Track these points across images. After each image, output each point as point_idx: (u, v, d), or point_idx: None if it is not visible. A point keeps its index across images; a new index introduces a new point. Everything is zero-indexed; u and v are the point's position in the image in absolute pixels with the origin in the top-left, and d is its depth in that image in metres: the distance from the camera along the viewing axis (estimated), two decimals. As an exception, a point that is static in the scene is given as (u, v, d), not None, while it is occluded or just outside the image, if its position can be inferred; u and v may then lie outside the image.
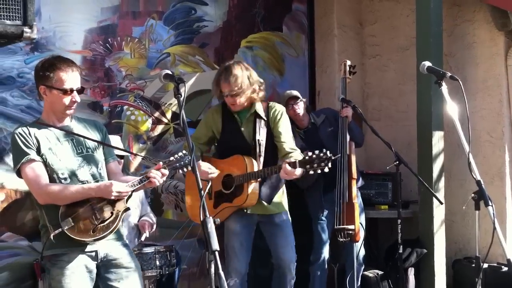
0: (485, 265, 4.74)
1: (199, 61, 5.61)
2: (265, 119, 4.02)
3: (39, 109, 4.68)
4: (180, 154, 3.17)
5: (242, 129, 4.01)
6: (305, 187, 4.69)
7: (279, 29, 6.18)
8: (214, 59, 5.70)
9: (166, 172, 3.05)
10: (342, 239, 4.19)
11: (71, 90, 2.99)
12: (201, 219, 2.23)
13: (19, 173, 2.99)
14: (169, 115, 5.37)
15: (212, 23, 5.69)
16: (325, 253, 4.88)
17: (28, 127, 3.03)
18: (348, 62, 4.81)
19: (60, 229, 2.88)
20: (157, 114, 5.24)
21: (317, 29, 6.33)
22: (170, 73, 2.81)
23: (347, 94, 4.79)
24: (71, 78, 2.99)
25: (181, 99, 2.63)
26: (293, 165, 3.55)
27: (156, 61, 5.27)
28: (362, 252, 4.73)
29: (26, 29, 2.33)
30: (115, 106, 5.02)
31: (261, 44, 6.05)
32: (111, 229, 2.98)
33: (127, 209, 3.06)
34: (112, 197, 2.94)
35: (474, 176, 3.00)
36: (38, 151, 2.97)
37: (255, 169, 3.88)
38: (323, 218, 4.86)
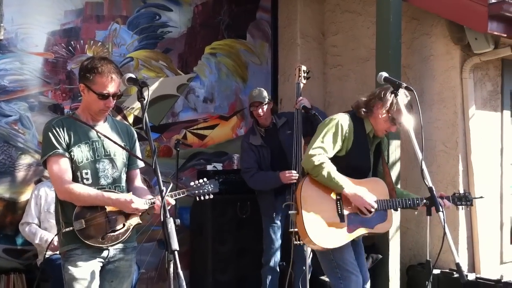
0: (438, 271, 4.88)
1: (162, 66, 5.64)
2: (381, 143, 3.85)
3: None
4: (201, 181, 3.30)
5: (370, 151, 3.75)
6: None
7: (243, 37, 6.27)
8: (178, 64, 5.74)
9: (172, 202, 3.09)
10: (296, 242, 4.20)
11: (107, 95, 3.01)
12: (162, 219, 2.27)
13: (45, 164, 3.03)
14: (131, 119, 5.37)
15: (176, 29, 5.73)
16: (277, 256, 4.94)
17: (62, 120, 3.07)
18: (303, 67, 4.82)
19: (71, 228, 2.94)
20: (119, 117, 5.24)
21: (280, 38, 6.43)
22: (134, 76, 2.84)
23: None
24: (110, 84, 2.99)
25: (144, 102, 2.66)
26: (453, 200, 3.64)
27: (119, 65, 5.23)
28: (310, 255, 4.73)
29: (-7, 30, 2.34)
30: (76, 109, 5.00)
31: (225, 51, 6.12)
32: (120, 240, 3.04)
33: (139, 223, 3.12)
34: (128, 212, 3.02)
35: (426, 183, 3.10)
36: (68, 147, 3.00)
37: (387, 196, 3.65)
38: (276, 221, 4.93)
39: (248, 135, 5.15)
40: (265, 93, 5.03)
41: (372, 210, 3.52)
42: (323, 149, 3.52)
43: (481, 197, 4.10)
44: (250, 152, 5.01)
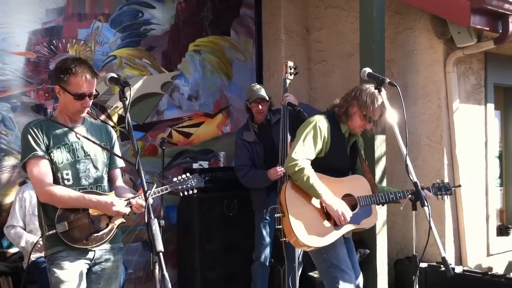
0: (425, 265, 4.91)
1: (146, 64, 5.59)
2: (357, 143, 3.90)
3: (-20, 111, 4.60)
4: (184, 176, 3.26)
5: (347, 150, 3.79)
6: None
7: (227, 34, 6.24)
8: (162, 62, 5.70)
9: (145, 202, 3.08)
10: (283, 239, 4.20)
11: (83, 96, 2.99)
12: (146, 220, 2.24)
13: (25, 167, 3.00)
14: (115, 118, 5.33)
15: (159, 26, 5.69)
16: (267, 252, 4.95)
17: (41, 123, 3.04)
18: (290, 63, 4.81)
19: (54, 231, 2.90)
20: (103, 117, 5.19)
21: (264, 34, 6.42)
22: (116, 76, 2.81)
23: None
24: (85, 84, 2.97)
25: (127, 102, 2.63)
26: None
27: (102, 64, 5.23)
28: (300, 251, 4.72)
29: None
30: (60, 109, 4.95)
31: (209, 48, 6.09)
32: (104, 240, 3.02)
33: (123, 223, 3.09)
34: (110, 214, 3.00)
35: (411, 177, 3.10)
36: (47, 149, 2.98)
37: (370, 192, 3.69)
38: (267, 217, 4.94)
39: (242, 131, 5.13)
40: (265, 90, 5.04)
41: (344, 224, 3.53)
42: (305, 152, 3.54)
43: (459, 185, 4.18)
44: (243, 149, 5.01)
